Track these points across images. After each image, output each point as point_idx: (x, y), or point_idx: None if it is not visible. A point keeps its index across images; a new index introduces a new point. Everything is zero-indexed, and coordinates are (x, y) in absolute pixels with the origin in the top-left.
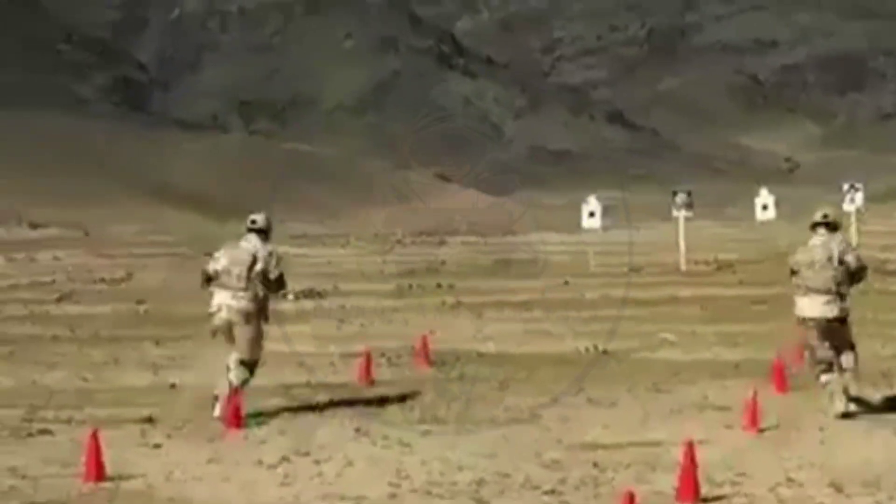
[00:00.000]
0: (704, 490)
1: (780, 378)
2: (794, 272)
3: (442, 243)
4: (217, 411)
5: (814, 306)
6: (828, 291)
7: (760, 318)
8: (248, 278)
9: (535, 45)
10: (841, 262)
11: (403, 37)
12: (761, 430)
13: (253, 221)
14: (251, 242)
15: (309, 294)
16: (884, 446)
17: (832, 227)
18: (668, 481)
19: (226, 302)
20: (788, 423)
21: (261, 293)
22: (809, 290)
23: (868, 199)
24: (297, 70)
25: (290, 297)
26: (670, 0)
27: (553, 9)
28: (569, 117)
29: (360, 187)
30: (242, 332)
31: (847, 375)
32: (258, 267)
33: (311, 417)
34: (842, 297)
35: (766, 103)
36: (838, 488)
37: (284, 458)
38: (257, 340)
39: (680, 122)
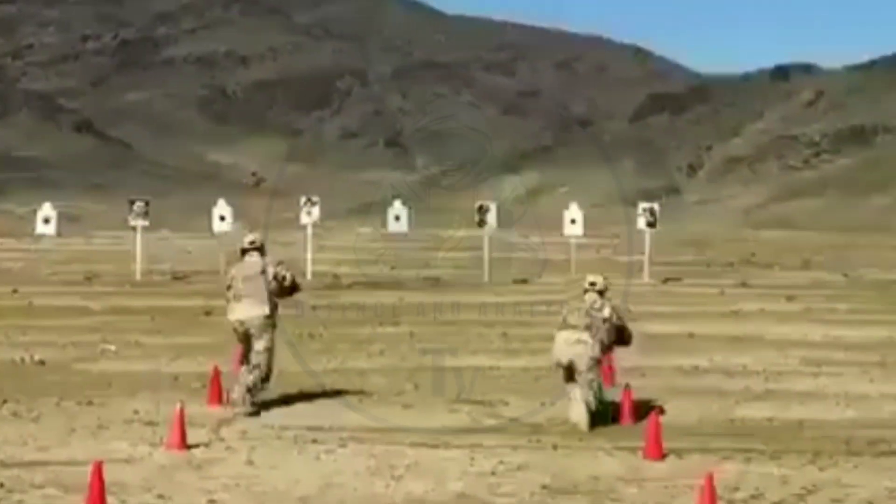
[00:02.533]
0: None
1: (217, 391)
2: (229, 286)
3: None
4: None
5: (244, 310)
6: (263, 301)
7: (208, 329)
8: None
9: (3, 51)
10: (274, 276)
11: None
12: (190, 447)
13: (592, 284)
14: None
15: None
16: (313, 465)
17: (260, 250)
18: None
19: None
20: (219, 440)
21: None
22: (242, 297)
23: (329, 215)
24: None
25: None
26: (143, 12)
27: (22, 15)
28: (36, 125)
29: None
30: None
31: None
32: None
33: None
34: (274, 304)
35: (236, 118)
36: None
37: None
38: None
39: (149, 134)
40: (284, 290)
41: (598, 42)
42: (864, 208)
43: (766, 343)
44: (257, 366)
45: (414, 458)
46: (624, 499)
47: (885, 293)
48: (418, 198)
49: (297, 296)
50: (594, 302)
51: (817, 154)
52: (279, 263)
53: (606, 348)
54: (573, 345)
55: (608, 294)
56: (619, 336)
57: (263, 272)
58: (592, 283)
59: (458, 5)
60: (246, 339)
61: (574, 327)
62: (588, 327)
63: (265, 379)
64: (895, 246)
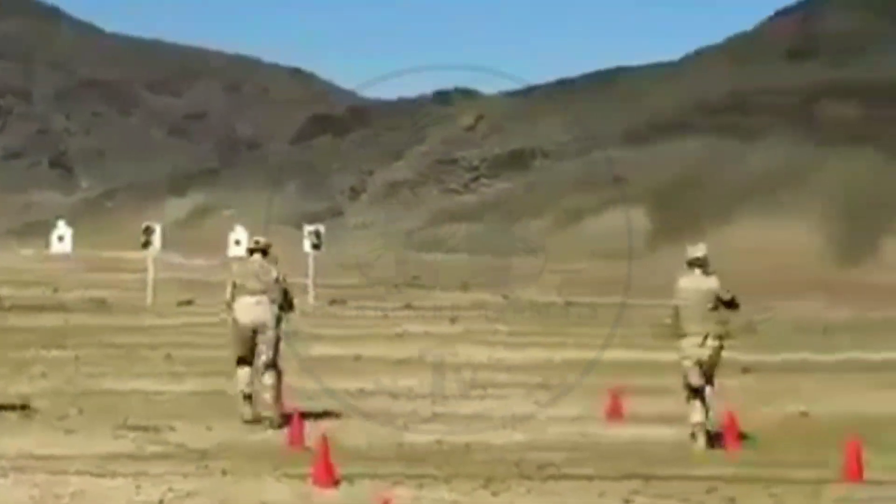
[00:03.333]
0: None
1: None
2: None
3: None
4: None
5: None
6: None
7: None
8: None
9: None
10: None
11: None
12: None
13: (256, 242)
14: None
15: None
16: None
17: None
18: None
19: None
20: None
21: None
22: None
23: None
24: None
25: None
26: None
27: None
28: None
29: None
30: None
31: None
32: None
33: None
34: None
35: None
36: None
37: None
38: None
39: None
40: None
41: (262, 64)
42: (521, 231)
43: (430, 365)
44: None
45: (78, 487)
46: None
47: (543, 315)
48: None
49: None
50: (262, 265)
51: (477, 178)
52: None
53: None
54: (254, 307)
55: (273, 253)
56: (284, 297)
57: None
58: (256, 242)
59: (127, 26)
60: None
61: (252, 292)
62: (264, 291)
63: None
64: (551, 269)
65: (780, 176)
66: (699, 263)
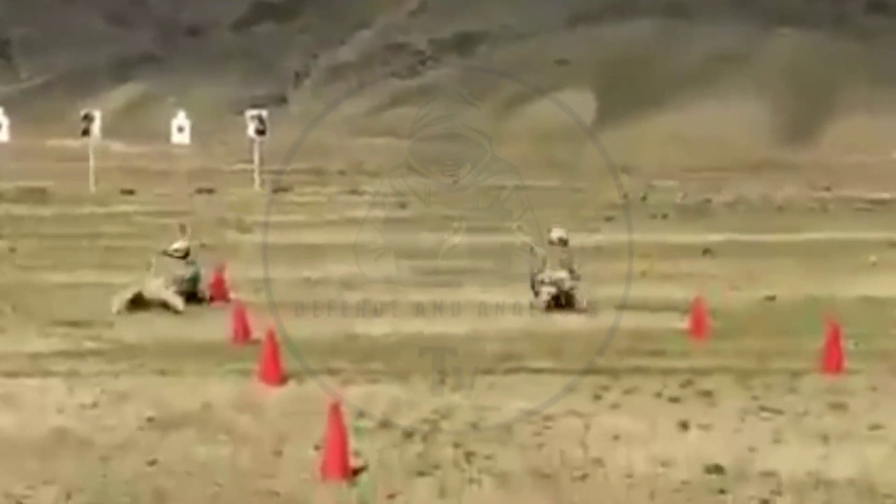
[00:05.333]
0: None
1: None
2: None
3: None
4: None
5: None
6: None
7: None
8: None
9: None
10: None
11: None
12: None
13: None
14: None
15: None
16: None
17: None
18: None
19: None
20: None
21: None
22: None
23: None
24: None
25: None
26: None
27: None
28: None
29: None
30: None
31: None
32: None
33: None
34: None
35: None
36: None
37: None
38: None
39: None
40: None
41: None
42: (464, 117)
43: (380, 252)
44: None
45: (7, 389)
46: (239, 430)
47: (493, 199)
48: None
49: None
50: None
51: (423, 62)
52: None
53: None
54: None
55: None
56: None
57: None
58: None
59: None
60: None
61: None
62: None
63: None
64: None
65: (726, 57)
66: (562, 241)
